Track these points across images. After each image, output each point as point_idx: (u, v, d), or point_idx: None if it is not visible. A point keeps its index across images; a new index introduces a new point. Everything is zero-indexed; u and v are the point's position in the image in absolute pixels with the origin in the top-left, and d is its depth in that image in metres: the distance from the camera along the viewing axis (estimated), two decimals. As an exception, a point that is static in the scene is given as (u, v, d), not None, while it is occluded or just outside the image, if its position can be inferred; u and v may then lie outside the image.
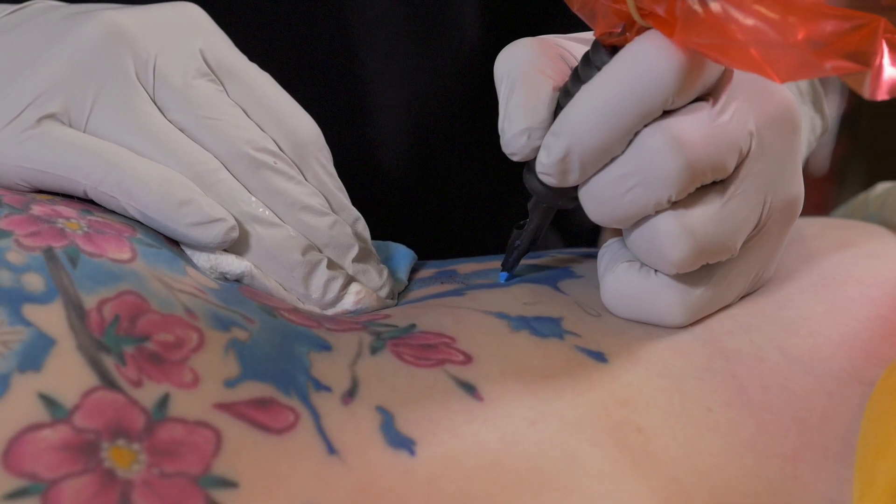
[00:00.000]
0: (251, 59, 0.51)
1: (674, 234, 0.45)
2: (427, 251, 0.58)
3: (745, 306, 0.49)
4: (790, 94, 0.47)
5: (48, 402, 0.37)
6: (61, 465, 0.35)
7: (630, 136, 0.44)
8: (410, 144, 0.70)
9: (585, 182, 0.46)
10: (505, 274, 0.53)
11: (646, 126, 0.44)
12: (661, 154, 0.43)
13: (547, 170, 0.46)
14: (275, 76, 0.51)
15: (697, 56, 0.42)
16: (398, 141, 0.69)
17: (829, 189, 1.80)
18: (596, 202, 0.46)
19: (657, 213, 0.45)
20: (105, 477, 0.36)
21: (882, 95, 0.39)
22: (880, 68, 0.39)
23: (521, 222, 0.52)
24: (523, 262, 0.54)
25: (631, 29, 0.43)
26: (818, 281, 0.51)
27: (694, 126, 0.43)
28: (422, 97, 0.69)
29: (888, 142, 1.76)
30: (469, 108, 0.71)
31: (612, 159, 0.45)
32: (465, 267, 0.55)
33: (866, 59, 0.38)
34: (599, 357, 0.46)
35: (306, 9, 0.65)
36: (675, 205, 0.45)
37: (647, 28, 0.42)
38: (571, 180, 0.46)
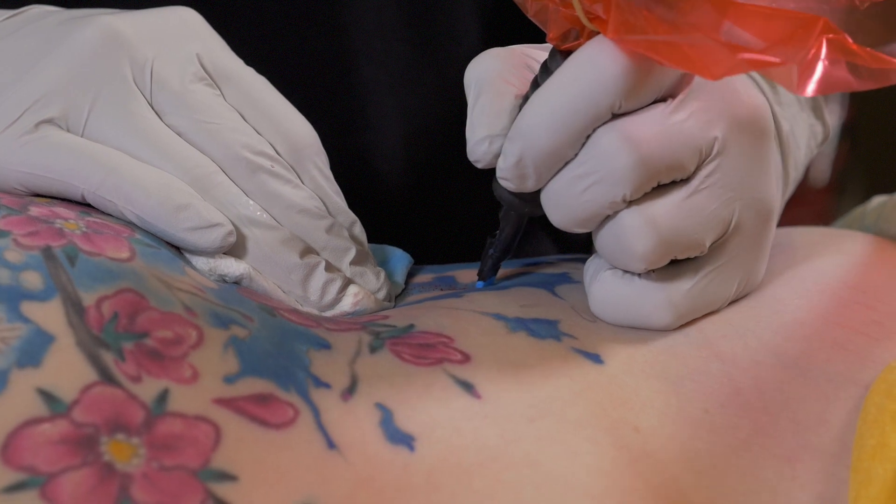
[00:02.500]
0: (248, 64, 0.52)
1: (637, 226, 0.45)
2: (424, 257, 0.59)
3: (741, 311, 0.49)
4: (761, 98, 0.47)
5: (47, 396, 0.37)
6: (60, 459, 0.35)
7: (581, 139, 0.44)
8: (407, 151, 0.70)
9: (545, 187, 0.46)
10: (481, 284, 0.53)
11: (598, 127, 0.44)
12: (614, 151, 0.44)
13: (505, 174, 0.46)
14: (272, 82, 0.52)
15: (645, 59, 0.42)
16: (395, 147, 0.69)
17: (829, 200, 1.81)
18: (555, 205, 0.46)
19: (616, 213, 0.45)
20: (104, 470, 0.36)
21: (808, 91, 0.39)
22: (811, 64, 0.39)
23: (495, 232, 0.52)
24: (520, 267, 0.54)
25: (583, 34, 0.44)
26: (813, 286, 0.51)
27: (646, 124, 0.44)
28: (419, 104, 0.70)
29: (888, 152, 1.77)
30: (465, 114, 0.71)
31: (568, 162, 0.45)
32: (464, 274, 0.56)
33: (797, 56, 0.39)
34: (596, 359, 0.46)
35: (303, 15, 0.65)
36: (638, 201, 0.45)
37: (598, 32, 0.43)
38: (530, 185, 0.46)
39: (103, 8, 0.52)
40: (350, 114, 0.68)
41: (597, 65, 0.43)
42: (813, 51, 0.39)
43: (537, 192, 0.47)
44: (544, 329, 0.47)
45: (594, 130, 0.44)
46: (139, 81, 0.49)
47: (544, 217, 0.48)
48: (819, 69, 0.39)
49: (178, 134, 0.49)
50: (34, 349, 0.38)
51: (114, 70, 0.48)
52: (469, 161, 0.47)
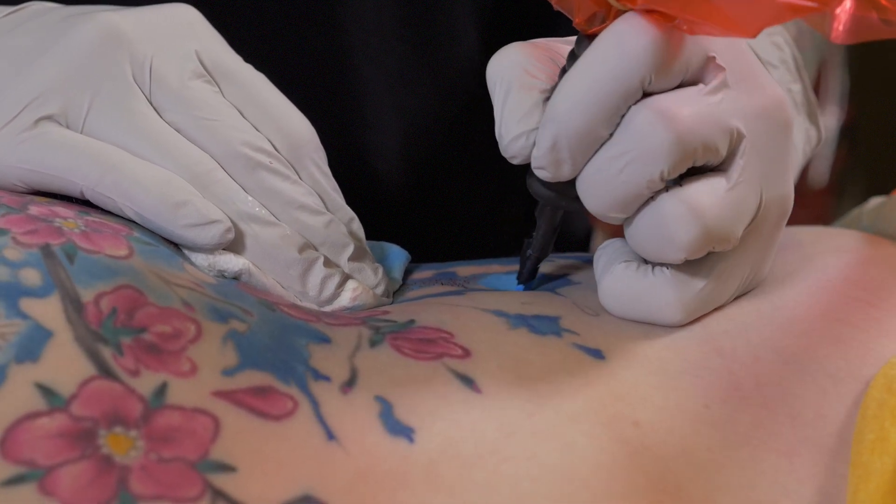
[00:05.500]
0: (246, 62, 0.52)
1: (682, 215, 0.44)
2: (422, 255, 0.59)
3: (742, 307, 0.49)
4: (781, 92, 0.47)
5: (45, 391, 0.37)
6: (59, 452, 0.35)
7: (614, 119, 0.44)
8: (405, 149, 0.70)
9: (580, 174, 0.46)
10: (521, 288, 0.53)
11: (631, 106, 0.44)
12: (649, 128, 0.43)
13: (540, 163, 0.46)
14: (270, 80, 0.52)
15: (674, 34, 0.43)
16: (393, 146, 0.70)
17: (828, 202, 1.81)
18: (591, 189, 0.46)
19: (654, 195, 0.45)
20: (102, 463, 0.36)
21: (843, 39, 0.40)
22: (845, 14, 0.39)
23: (532, 233, 0.52)
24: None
25: (609, 16, 0.44)
26: (814, 283, 0.51)
27: (682, 101, 0.44)
28: (417, 102, 0.70)
29: (888, 154, 1.77)
30: (464, 112, 0.71)
31: (603, 145, 0.45)
32: (464, 269, 0.56)
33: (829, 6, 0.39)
34: (597, 354, 0.46)
35: (301, 13, 0.65)
36: (678, 188, 0.45)
37: (625, 11, 0.43)
38: (566, 171, 0.46)
39: (103, 4, 0.52)
40: (348, 112, 0.68)
41: (624, 40, 0.43)
42: (844, 3, 0.39)
43: (572, 185, 0.47)
44: (545, 325, 0.47)
45: (628, 110, 0.44)
46: (138, 78, 0.49)
47: (580, 213, 0.48)
48: (850, 19, 0.39)
49: (177, 131, 0.49)
50: (33, 344, 0.38)
51: (113, 67, 0.48)
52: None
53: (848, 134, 1.76)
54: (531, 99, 0.46)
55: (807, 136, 0.69)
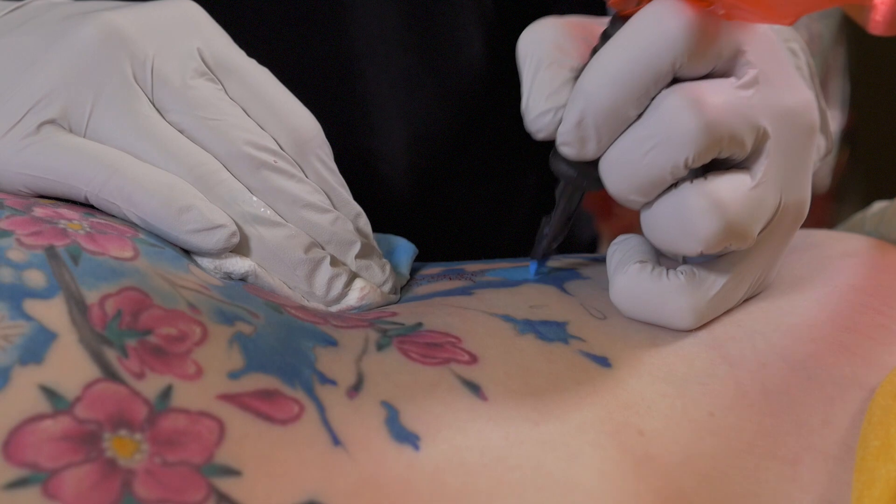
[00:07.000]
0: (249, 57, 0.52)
1: (705, 209, 0.44)
2: (428, 259, 0.58)
3: (750, 313, 0.49)
4: (811, 95, 0.47)
5: (49, 393, 0.37)
6: (62, 455, 0.35)
7: (643, 100, 0.44)
8: (410, 155, 0.70)
9: (604, 154, 0.46)
10: (535, 264, 0.53)
11: (664, 89, 0.44)
12: (679, 113, 0.43)
13: (565, 139, 0.46)
14: None
15: (710, 19, 0.43)
16: (398, 151, 0.69)
17: (829, 207, 1.80)
18: (614, 170, 0.46)
19: (677, 183, 0.45)
20: (106, 466, 0.35)
21: (881, 31, 0.40)
22: (883, 5, 0.39)
23: (551, 211, 0.52)
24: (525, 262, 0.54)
25: None
26: (821, 289, 0.51)
27: (714, 91, 0.44)
28: (421, 108, 0.70)
29: (888, 159, 1.77)
30: (468, 118, 0.71)
31: (630, 126, 0.45)
32: (472, 267, 0.55)
33: None
34: (603, 362, 0.46)
35: (306, 19, 0.65)
36: (702, 180, 0.45)
37: None
38: (590, 149, 0.46)
39: (105, 1, 0.52)
40: (354, 118, 0.68)
41: (660, 20, 0.43)
42: None
43: (594, 165, 0.47)
44: (553, 332, 0.47)
45: (658, 93, 0.44)
46: (140, 79, 0.49)
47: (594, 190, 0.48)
48: (890, 11, 0.39)
49: (180, 131, 0.49)
50: (37, 346, 0.38)
51: (114, 68, 0.48)
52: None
53: (848, 139, 1.76)
54: (561, 76, 0.46)
55: (816, 144, 0.69)
